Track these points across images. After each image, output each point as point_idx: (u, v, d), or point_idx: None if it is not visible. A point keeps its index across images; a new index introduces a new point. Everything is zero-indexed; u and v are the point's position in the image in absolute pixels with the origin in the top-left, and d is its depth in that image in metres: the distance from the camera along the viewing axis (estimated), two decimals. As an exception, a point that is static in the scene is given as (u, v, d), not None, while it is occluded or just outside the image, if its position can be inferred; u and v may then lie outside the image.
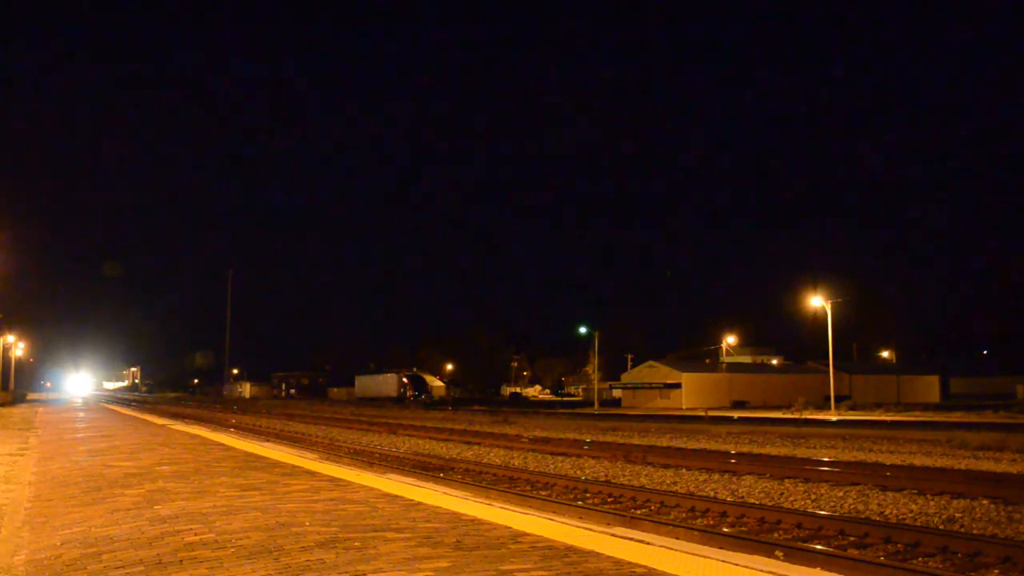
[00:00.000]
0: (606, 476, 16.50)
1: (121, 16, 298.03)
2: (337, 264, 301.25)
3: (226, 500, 8.30)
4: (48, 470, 12.46)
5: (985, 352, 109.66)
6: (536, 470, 17.51)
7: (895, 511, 11.94)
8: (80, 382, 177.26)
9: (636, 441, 26.19)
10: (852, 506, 12.50)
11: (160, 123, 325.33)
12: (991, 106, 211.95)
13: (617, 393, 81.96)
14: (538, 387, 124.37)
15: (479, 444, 25.32)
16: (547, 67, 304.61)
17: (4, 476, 12.38)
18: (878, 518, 11.34)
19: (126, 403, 73.86)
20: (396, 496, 8.54)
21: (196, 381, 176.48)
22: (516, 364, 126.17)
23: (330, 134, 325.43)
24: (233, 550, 5.76)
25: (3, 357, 67.48)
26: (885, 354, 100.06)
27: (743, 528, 10.78)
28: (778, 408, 57.87)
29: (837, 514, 11.46)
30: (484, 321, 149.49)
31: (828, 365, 55.50)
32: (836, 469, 16.13)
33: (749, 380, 75.51)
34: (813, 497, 13.38)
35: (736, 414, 50.71)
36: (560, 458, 20.26)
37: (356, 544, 5.87)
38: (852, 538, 9.84)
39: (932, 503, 12.48)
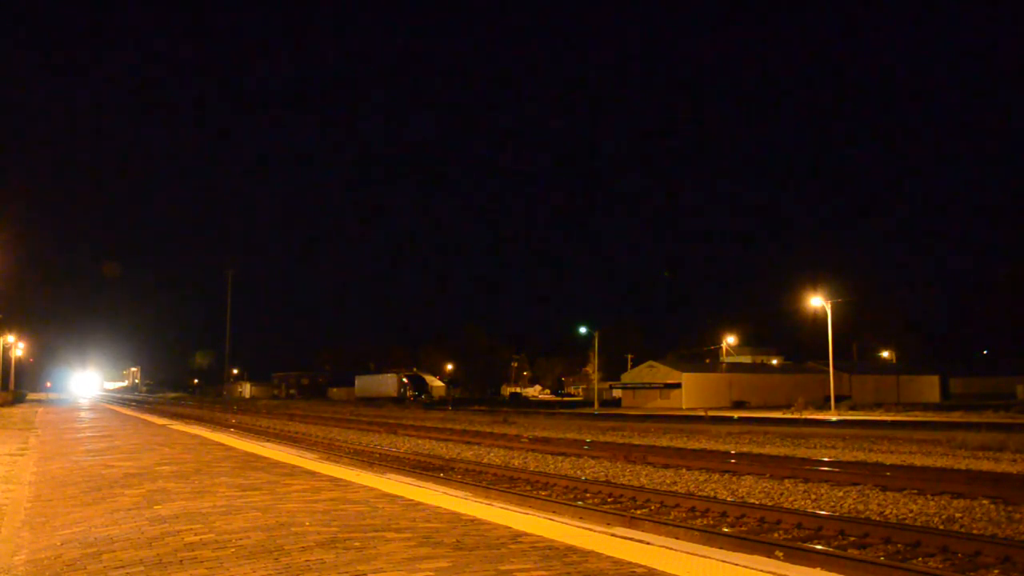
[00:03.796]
0: (606, 476, 16.49)
1: (123, 16, 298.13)
2: (337, 264, 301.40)
3: (226, 500, 8.30)
4: (48, 470, 12.46)
5: (985, 352, 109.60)
6: (536, 470, 17.50)
7: (895, 511, 11.94)
8: (81, 382, 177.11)
9: (636, 441, 26.18)
10: (852, 506, 12.49)
11: (161, 123, 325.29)
12: (991, 106, 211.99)
13: (617, 393, 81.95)
14: (538, 387, 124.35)
15: (479, 444, 25.31)
16: (547, 68, 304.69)
17: (4, 476, 12.38)
18: (878, 518, 11.33)
19: (126, 403, 73.85)
20: (396, 496, 8.54)
21: (196, 381, 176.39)
22: (516, 364, 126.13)
23: (331, 135, 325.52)
24: (233, 550, 5.76)
25: (3, 357, 67.45)
26: (885, 354, 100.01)
27: (743, 528, 10.78)
28: (778, 408, 57.89)
29: (837, 514, 11.45)
30: (484, 321, 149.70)
31: (828, 365, 55.49)
32: (836, 469, 16.12)
33: (749, 380, 75.51)
34: (813, 497, 13.38)
35: (736, 414, 50.70)
36: (560, 458, 20.26)
37: (356, 544, 5.87)
38: (852, 538, 9.83)
39: (932, 503, 12.47)
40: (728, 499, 12.97)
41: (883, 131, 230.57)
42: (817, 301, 56.93)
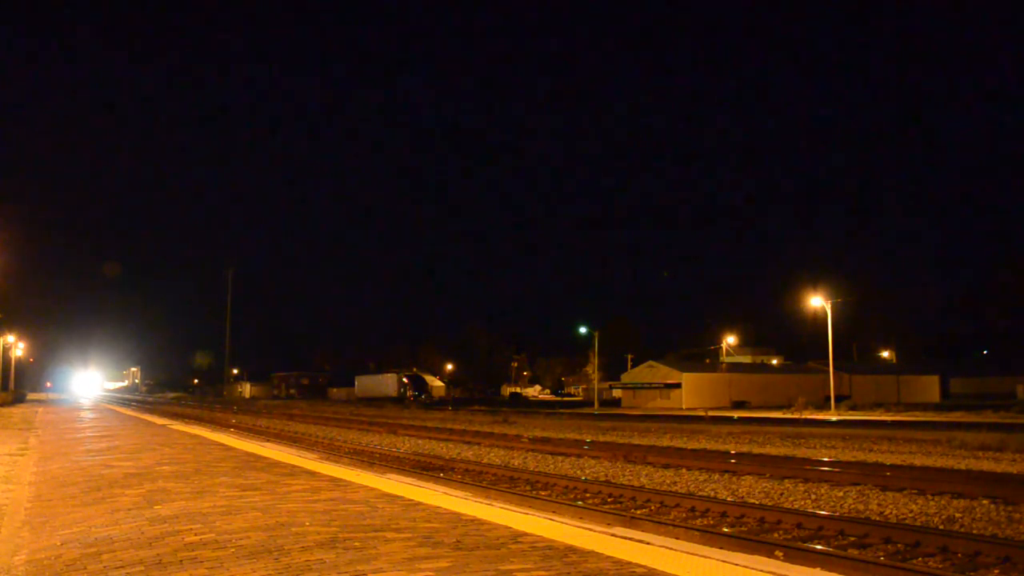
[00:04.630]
0: (606, 476, 16.49)
1: (123, 15, 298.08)
2: (337, 264, 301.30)
3: (226, 500, 8.30)
4: (48, 470, 12.46)
5: (985, 352, 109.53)
6: (536, 470, 17.51)
7: (895, 511, 11.94)
8: (82, 382, 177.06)
9: (636, 441, 26.18)
10: (852, 506, 12.49)
11: (161, 123, 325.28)
12: (990, 106, 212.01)
13: (617, 393, 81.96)
14: (538, 387, 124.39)
15: (479, 444, 25.31)
16: (549, 66, 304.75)
17: (4, 476, 12.38)
18: (878, 518, 11.34)
19: (126, 403, 73.88)
20: (396, 496, 8.54)
21: (196, 381, 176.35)
22: (516, 364, 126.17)
23: (331, 134, 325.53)
24: (233, 550, 5.76)
25: (3, 357, 67.43)
26: (885, 354, 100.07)
27: (743, 528, 10.78)
28: (778, 408, 57.86)
29: (837, 514, 11.45)
30: (484, 321, 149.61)
31: (828, 365, 55.49)
32: (836, 469, 16.12)
33: (749, 380, 75.50)
34: (813, 497, 13.38)
35: (736, 414, 50.70)
36: (560, 458, 20.26)
37: (356, 544, 5.87)
38: (852, 538, 9.83)
39: (932, 503, 12.47)
40: (728, 499, 12.97)
41: (883, 131, 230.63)
42: (817, 301, 56.94)
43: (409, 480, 10.84)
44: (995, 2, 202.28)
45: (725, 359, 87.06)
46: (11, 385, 70.89)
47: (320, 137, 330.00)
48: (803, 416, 46.13)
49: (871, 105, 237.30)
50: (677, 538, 7.89)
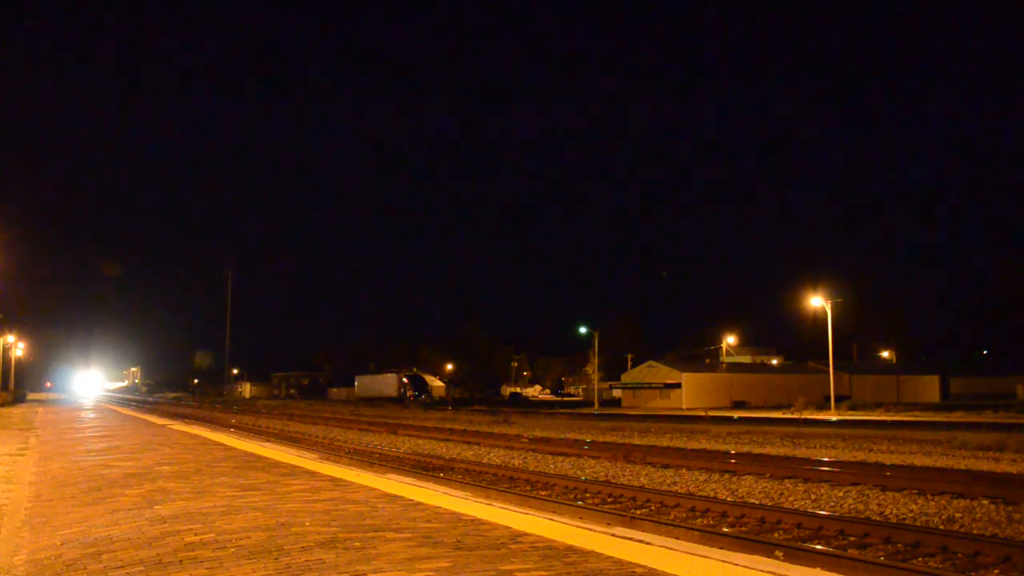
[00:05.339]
0: (606, 476, 16.49)
1: (122, 15, 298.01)
2: (338, 264, 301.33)
3: (226, 500, 8.30)
4: (48, 470, 12.46)
5: (985, 352, 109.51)
6: (536, 470, 17.50)
7: (895, 511, 11.94)
8: (82, 382, 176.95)
9: (636, 441, 26.17)
10: (852, 506, 12.49)
11: (160, 123, 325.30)
12: (991, 107, 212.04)
13: (617, 393, 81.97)
14: (538, 387, 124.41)
15: (479, 444, 25.31)
16: (546, 68, 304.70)
17: (4, 476, 12.38)
18: (878, 518, 11.34)
19: (127, 403, 73.87)
20: (396, 496, 8.54)
21: (196, 381, 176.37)
22: (516, 364, 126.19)
23: (331, 134, 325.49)
24: (233, 550, 5.76)
25: (3, 357, 67.42)
26: (885, 354, 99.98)
27: (743, 528, 10.78)
28: (778, 408, 57.87)
29: (837, 514, 11.45)
30: (484, 321, 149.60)
31: (828, 365, 55.48)
32: (836, 469, 16.12)
33: (749, 380, 75.51)
34: (813, 497, 13.38)
35: (736, 414, 50.70)
36: (560, 458, 20.26)
37: (356, 544, 5.87)
38: (852, 538, 9.83)
39: (932, 503, 12.47)
40: (728, 499, 12.97)
41: (883, 131, 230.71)
42: (817, 301, 56.94)
43: (409, 480, 10.83)
44: (996, 1, 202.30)
45: (725, 359, 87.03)
46: (11, 385, 70.85)
47: (320, 137, 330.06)
48: (803, 416, 46.14)
49: (872, 105, 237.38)
50: (677, 538, 7.88)
